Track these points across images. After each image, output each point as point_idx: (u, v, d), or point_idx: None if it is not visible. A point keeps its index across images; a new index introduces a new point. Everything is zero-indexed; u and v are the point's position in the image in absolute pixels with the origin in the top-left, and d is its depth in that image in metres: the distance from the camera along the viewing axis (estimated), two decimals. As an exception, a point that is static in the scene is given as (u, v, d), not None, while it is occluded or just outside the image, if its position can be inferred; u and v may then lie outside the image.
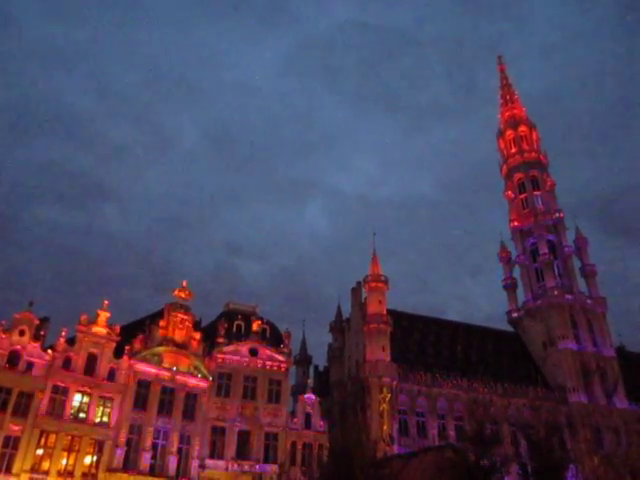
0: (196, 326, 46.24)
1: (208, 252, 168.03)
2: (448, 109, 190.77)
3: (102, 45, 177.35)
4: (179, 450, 40.59)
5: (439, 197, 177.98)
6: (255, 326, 47.95)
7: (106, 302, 41.37)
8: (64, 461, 36.14)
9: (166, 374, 41.88)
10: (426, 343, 61.51)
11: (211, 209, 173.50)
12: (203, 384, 43.50)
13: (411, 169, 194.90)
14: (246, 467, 41.87)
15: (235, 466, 41.80)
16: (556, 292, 66.55)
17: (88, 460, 37.09)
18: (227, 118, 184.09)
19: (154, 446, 39.69)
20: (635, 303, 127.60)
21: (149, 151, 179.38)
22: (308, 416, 46.60)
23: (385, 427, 49.15)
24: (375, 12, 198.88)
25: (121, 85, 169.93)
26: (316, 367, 70.56)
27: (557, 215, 73.67)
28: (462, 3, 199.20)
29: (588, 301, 67.90)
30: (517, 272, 74.95)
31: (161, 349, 42.55)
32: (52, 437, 36.07)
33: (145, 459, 38.69)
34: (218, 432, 43.02)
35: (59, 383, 37.46)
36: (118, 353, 40.74)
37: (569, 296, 67.03)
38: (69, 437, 36.67)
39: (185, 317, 44.61)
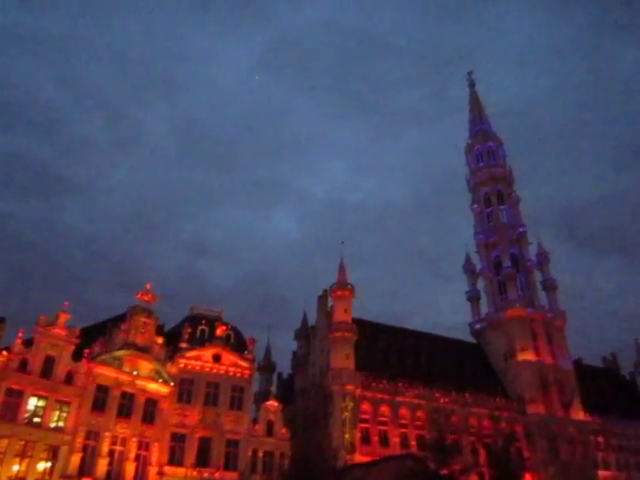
0: (159, 330, 45.53)
1: (173, 252, 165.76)
2: (420, 116, 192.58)
3: (70, 34, 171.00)
4: (137, 457, 39.78)
5: (409, 205, 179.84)
6: (219, 331, 47.50)
7: (66, 303, 40.31)
8: (16, 467, 34.78)
9: (126, 378, 41.03)
10: (390, 352, 61.88)
11: (177, 208, 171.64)
12: (164, 389, 42.80)
13: (382, 175, 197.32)
14: (206, 475, 41.31)
15: (194, 473, 41.20)
16: (517, 305, 68.02)
17: (42, 466, 35.86)
18: (197, 115, 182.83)
19: (111, 452, 38.76)
20: (594, 316, 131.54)
21: (115, 145, 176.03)
22: (270, 424, 46.31)
23: (347, 435, 49.22)
24: (351, 15, 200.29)
25: (88, 75, 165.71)
26: (280, 374, 70.29)
27: (520, 229, 75.63)
28: (438, 12, 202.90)
29: (548, 314, 69.61)
30: (481, 284, 76.40)
31: (122, 353, 41.66)
32: (4, 442, 34.68)
33: (102, 465, 37.73)
34: (178, 439, 42.33)
35: (13, 386, 36.12)
36: (77, 356, 39.73)
37: (530, 309, 68.64)
38: (22, 442, 35.31)
39: (148, 321, 43.85)
